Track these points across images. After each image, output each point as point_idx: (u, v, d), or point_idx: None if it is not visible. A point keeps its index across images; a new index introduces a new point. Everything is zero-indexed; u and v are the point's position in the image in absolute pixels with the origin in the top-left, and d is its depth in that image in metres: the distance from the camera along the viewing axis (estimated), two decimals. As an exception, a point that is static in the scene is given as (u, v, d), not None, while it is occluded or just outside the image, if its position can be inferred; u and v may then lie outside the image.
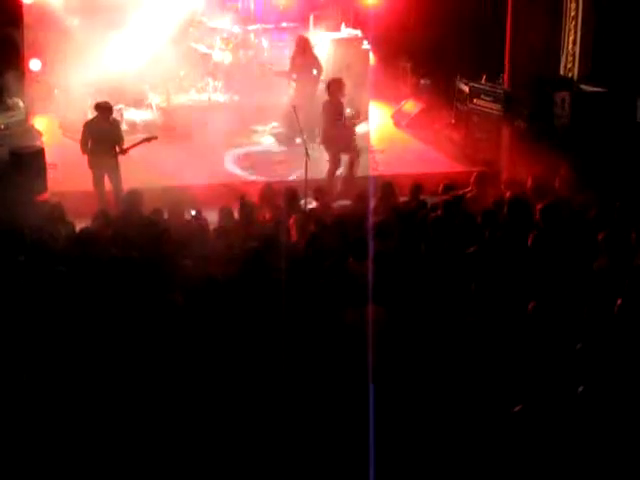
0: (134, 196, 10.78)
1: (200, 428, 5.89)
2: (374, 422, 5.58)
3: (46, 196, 11.80)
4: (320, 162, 13.42)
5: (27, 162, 11.85)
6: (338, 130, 13.65)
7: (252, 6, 17.33)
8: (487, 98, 14.68)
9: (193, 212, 10.38)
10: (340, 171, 13.82)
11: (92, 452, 5.74)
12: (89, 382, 6.26)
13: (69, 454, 5.70)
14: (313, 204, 11.27)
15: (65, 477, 5.61)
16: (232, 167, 14.38)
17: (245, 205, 10.76)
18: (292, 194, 10.82)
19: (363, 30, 16.96)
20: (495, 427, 5.84)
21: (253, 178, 13.83)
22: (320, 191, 11.30)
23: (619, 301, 7.36)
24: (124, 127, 13.92)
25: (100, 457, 5.72)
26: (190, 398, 6.12)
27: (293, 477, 5.49)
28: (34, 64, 15.24)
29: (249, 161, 14.59)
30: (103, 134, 12.40)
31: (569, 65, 14.79)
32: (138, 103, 15.64)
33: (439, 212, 10.06)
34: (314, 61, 15.53)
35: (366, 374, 6.01)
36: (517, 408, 5.86)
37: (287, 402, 5.98)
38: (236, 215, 10.58)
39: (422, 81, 17.11)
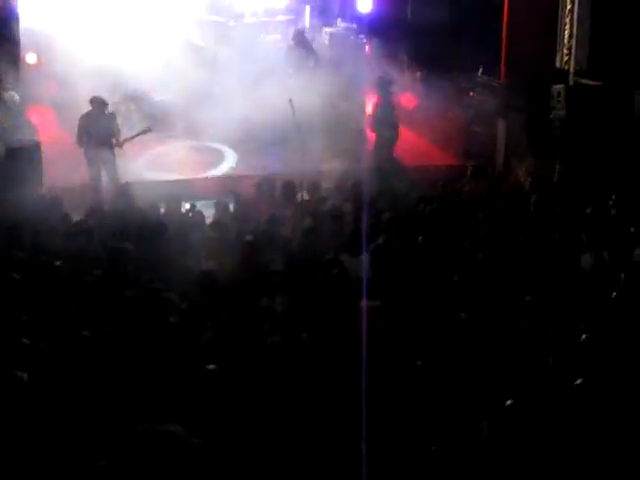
0: (128, 189, 10.82)
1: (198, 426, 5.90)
2: (366, 414, 5.61)
3: (43, 190, 11.79)
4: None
5: (23, 156, 11.83)
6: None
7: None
8: (483, 91, 14.68)
9: (187, 205, 10.40)
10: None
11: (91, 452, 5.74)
12: (86, 380, 6.26)
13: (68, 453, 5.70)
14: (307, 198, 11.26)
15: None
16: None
17: (241, 199, 10.77)
18: (289, 188, 10.82)
19: (359, 23, 16.98)
20: (491, 421, 5.85)
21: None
22: (315, 185, 11.28)
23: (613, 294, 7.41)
24: (120, 120, 13.91)
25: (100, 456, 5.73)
26: (185, 393, 6.13)
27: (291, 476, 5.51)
28: (30, 58, 15.23)
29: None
30: (99, 127, 12.40)
31: (565, 58, 14.78)
32: (136, 96, 15.62)
33: (436, 205, 10.09)
34: (310, 54, 15.52)
35: (360, 366, 6.04)
36: (508, 402, 5.86)
37: (282, 398, 5.99)
38: (232, 208, 10.60)
39: (418, 74, 17.12)
